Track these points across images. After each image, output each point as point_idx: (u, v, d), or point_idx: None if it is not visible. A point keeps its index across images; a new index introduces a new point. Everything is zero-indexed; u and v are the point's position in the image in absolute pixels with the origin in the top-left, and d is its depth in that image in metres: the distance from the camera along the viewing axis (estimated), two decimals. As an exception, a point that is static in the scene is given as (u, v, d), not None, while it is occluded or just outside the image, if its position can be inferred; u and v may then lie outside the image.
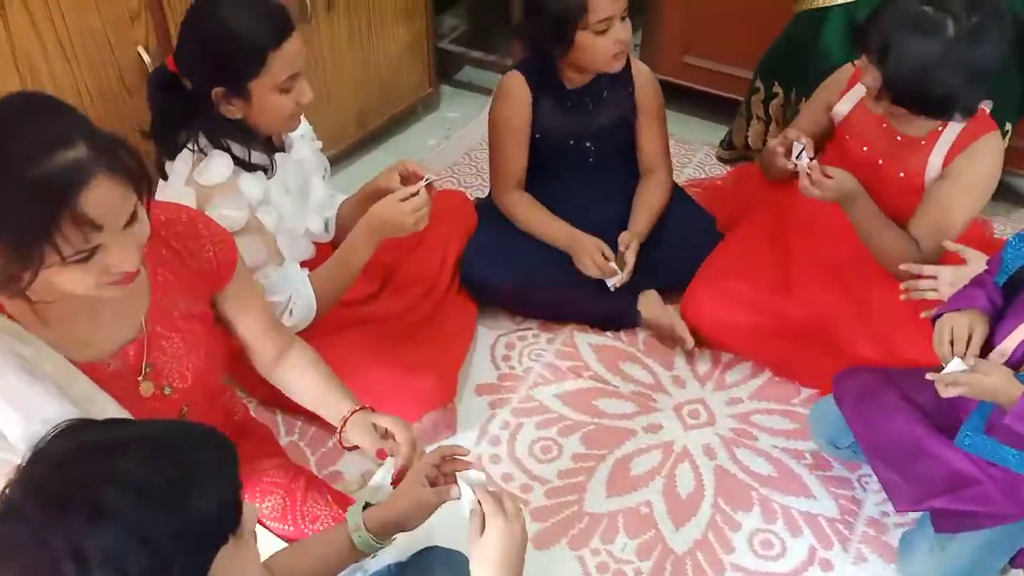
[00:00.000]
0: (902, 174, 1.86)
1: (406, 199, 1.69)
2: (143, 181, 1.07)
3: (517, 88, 2.07)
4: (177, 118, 1.59)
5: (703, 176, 2.69)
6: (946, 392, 1.46)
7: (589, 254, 2.03)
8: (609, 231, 2.08)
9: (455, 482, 1.21)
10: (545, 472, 1.83)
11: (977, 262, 1.67)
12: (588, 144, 2.14)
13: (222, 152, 1.59)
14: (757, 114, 2.60)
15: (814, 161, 1.82)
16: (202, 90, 1.55)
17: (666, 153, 2.22)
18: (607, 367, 2.08)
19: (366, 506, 1.24)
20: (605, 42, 1.93)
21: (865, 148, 1.90)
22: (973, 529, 1.55)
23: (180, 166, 1.59)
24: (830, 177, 1.78)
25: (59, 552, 0.72)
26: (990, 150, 1.80)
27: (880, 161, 1.88)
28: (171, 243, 1.28)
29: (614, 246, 2.05)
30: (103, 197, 1.00)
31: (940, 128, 1.82)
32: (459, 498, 1.17)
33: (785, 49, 2.43)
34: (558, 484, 1.81)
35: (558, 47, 1.96)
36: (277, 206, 1.68)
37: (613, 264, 2.02)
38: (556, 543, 1.70)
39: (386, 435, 1.41)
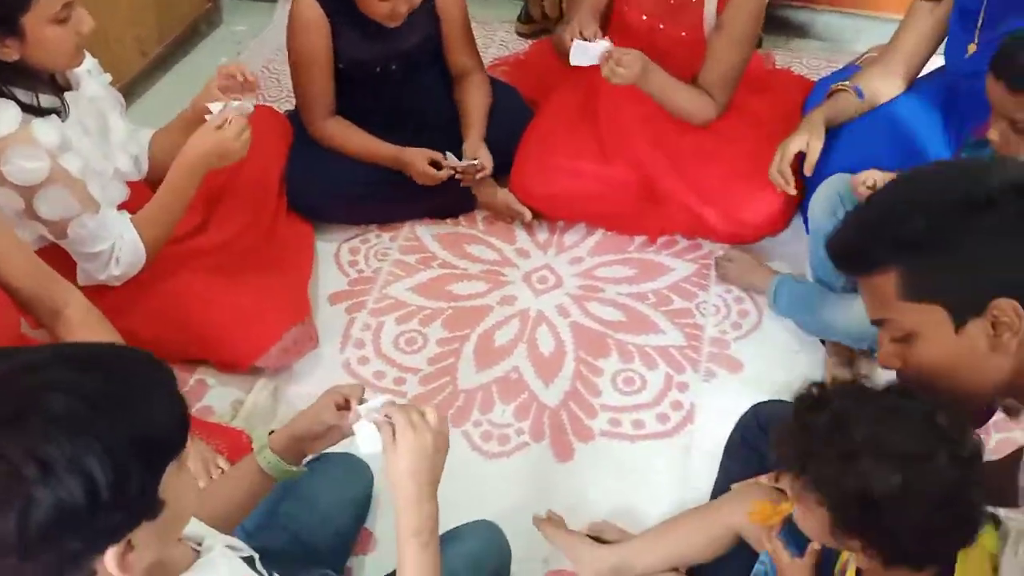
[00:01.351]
0: (684, 33, 1.99)
1: (221, 126, 1.62)
2: None
3: (312, 16, 1.98)
4: None
5: (507, 53, 2.73)
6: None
7: (418, 166, 2.04)
8: (433, 138, 2.09)
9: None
10: (414, 362, 1.88)
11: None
12: (394, 67, 2.09)
13: (6, 100, 1.47)
14: (549, -17, 2.64)
15: (608, 48, 1.88)
16: None
17: (477, 56, 2.22)
18: (453, 253, 2.14)
19: (270, 434, 1.21)
20: (382, 7, 1.90)
21: (644, 16, 2.00)
22: None
23: None
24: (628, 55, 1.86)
25: (18, 461, 0.70)
26: None
27: (661, 26, 2.00)
28: None
29: (440, 148, 2.06)
30: None
31: None
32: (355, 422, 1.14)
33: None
34: (429, 371, 1.87)
35: None
36: (79, 150, 1.58)
37: (450, 162, 2.04)
38: (439, 424, 1.77)
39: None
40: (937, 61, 1.98)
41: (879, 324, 1.02)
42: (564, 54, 2.13)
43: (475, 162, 2.03)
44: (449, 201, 2.17)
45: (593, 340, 1.94)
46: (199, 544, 0.91)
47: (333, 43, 2.01)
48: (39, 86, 1.51)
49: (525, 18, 2.79)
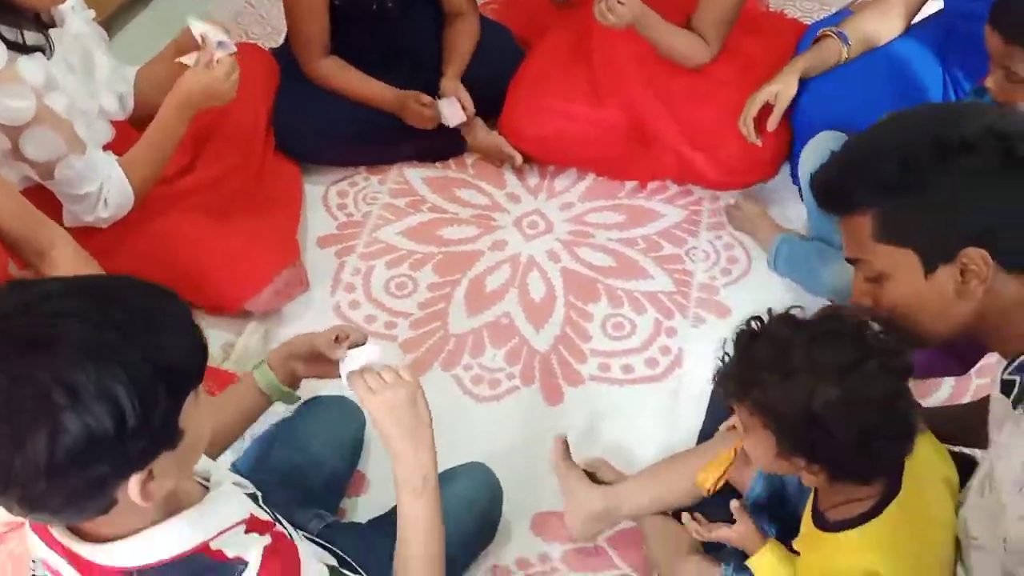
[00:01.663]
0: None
1: (209, 63, 1.59)
2: None
3: None
4: None
5: (497, -7, 2.67)
6: None
7: (413, 109, 2.01)
8: (424, 75, 2.06)
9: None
10: (405, 306, 1.88)
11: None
12: (391, 5, 2.04)
13: None
14: (539, -81, 2.57)
15: None
16: None
17: None
18: (443, 197, 2.12)
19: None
20: None
21: None
22: None
23: None
24: (622, 3, 1.83)
25: (47, 386, 0.70)
26: None
27: None
28: None
29: (433, 90, 2.03)
30: None
31: None
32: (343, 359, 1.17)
33: None
34: (420, 315, 1.88)
35: None
36: (64, 88, 1.54)
37: (441, 104, 2.01)
38: (430, 368, 1.78)
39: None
40: (934, 6, 1.96)
41: (854, 263, 1.07)
42: None
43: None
44: (439, 144, 2.15)
45: (583, 285, 1.94)
46: (207, 479, 0.92)
47: None
48: (24, 23, 1.47)
49: (516, -44, 2.73)
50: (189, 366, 0.79)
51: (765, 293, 1.91)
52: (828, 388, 0.97)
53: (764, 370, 1.01)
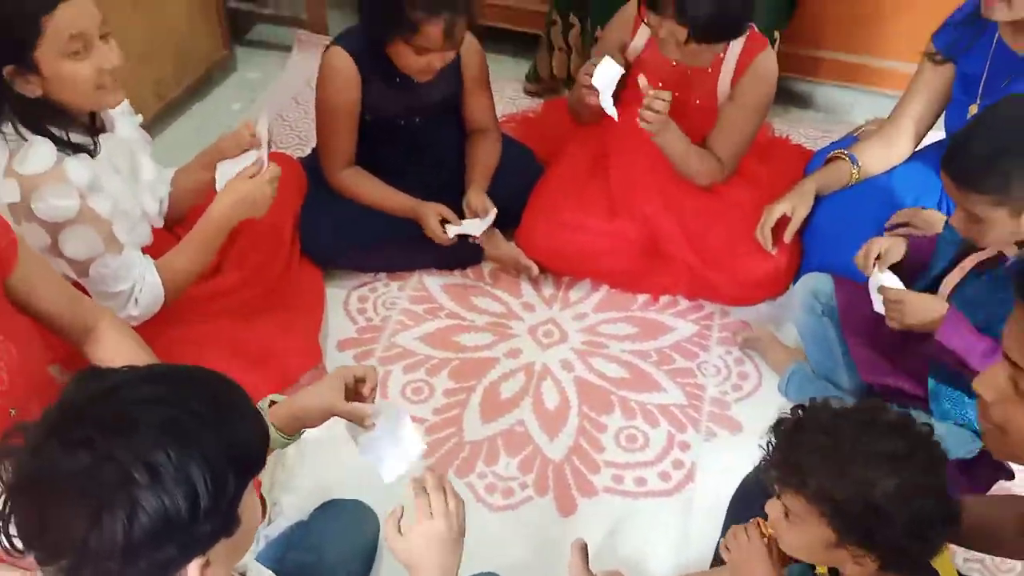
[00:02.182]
0: (697, 101, 2.07)
1: (254, 175, 1.67)
2: None
3: (345, 69, 2.02)
4: (16, 113, 1.49)
5: (515, 111, 2.80)
6: (879, 306, 1.66)
7: (431, 222, 2.08)
8: (445, 190, 2.14)
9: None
10: (421, 412, 1.91)
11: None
12: (417, 120, 2.15)
13: (42, 138, 1.50)
14: (558, 45, 2.73)
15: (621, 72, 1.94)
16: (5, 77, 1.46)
17: (493, 114, 2.28)
18: (460, 304, 2.17)
19: (271, 404, 1.25)
20: (419, 61, 1.95)
21: (660, 83, 2.07)
22: None
23: None
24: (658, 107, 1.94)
25: (129, 465, 0.72)
26: (767, 66, 2.07)
27: (676, 93, 2.07)
28: None
29: (453, 205, 2.11)
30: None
31: (722, 55, 2.04)
32: (372, 427, 1.20)
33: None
34: (435, 420, 1.89)
35: (378, 40, 1.96)
36: (108, 190, 1.60)
37: (460, 226, 2.09)
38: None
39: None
40: (937, 135, 2.06)
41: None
42: (578, 114, 2.21)
43: (482, 226, 2.09)
44: (457, 253, 2.22)
45: (597, 396, 1.97)
46: (243, 574, 0.93)
47: (362, 95, 2.06)
48: (72, 125, 1.55)
49: (534, 77, 2.87)
50: (256, 453, 0.82)
51: (776, 410, 1.94)
52: (887, 479, 1.00)
53: (819, 460, 1.03)
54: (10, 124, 1.49)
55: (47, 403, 1.34)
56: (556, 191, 2.22)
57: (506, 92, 2.88)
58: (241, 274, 1.98)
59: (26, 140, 1.49)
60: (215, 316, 1.84)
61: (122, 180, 1.66)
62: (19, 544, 0.77)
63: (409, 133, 2.17)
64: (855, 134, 2.37)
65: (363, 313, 2.14)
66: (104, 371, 0.82)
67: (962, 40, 1.88)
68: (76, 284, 1.59)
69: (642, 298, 2.21)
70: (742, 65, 2.06)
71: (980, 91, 1.87)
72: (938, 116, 2.03)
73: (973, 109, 1.87)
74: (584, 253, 2.18)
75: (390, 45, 1.96)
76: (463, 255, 2.25)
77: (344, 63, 2.03)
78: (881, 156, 2.05)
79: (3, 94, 1.47)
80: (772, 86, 2.11)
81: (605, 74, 1.94)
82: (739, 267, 2.09)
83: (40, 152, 1.49)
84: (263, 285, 1.99)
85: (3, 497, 0.77)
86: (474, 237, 2.12)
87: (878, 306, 1.70)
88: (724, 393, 1.99)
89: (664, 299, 2.21)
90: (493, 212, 2.10)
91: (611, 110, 1.97)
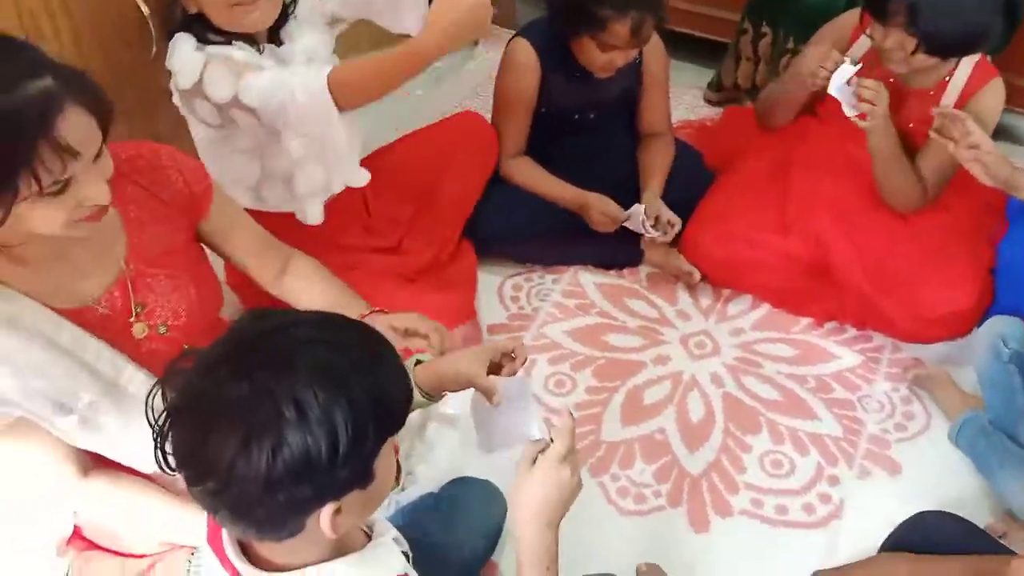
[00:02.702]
0: (911, 124, 1.92)
1: None
2: (107, 115, 1.06)
3: (527, 61, 2.04)
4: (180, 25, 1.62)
5: (693, 118, 2.74)
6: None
7: (598, 209, 2.06)
8: (612, 188, 2.11)
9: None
10: (561, 405, 1.89)
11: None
12: (591, 115, 2.15)
13: (187, 36, 1.60)
14: (746, 54, 2.64)
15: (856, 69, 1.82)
16: None
17: (668, 118, 2.24)
18: (613, 304, 2.14)
19: (417, 363, 1.26)
20: (602, 58, 1.94)
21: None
22: None
23: (180, 49, 1.60)
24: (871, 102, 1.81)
25: (281, 400, 0.75)
26: (996, 95, 1.91)
27: (891, 114, 1.94)
28: (136, 179, 1.26)
29: (619, 201, 2.07)
30: (77, 124, 0.99)
31: (947, 78, 1.90)
32: (497, 404, 1.18)
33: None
34: (575, 416, 1.87)
35: (563, 34, 1.97)
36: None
37: (626, 212, 2.06)
38: (577, 471, 1.76)
39: (406, 334, 1.39)
40: None
41: None
42: (773, 110, 2.13)
43: (657, 234, 2.06)
44: (617, 252, 2.19)
45: (744, 415, 1.88)
46: (370, 528, 0.95)
47: (540, 87, 2.07)
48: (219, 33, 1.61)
49: (716, 86, 2.79)
50: (398, 411, 0.84)
51: (941, 458, 1.79)
52: None
53: None
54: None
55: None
56: (728, 199, 2.15)
57: (685, 99, 2.82)
58: (431, 250, 2.03)
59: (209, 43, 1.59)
60: (380, 274, 1.88)
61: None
62: (172, 462, 0.81)
63: (582, 127, 2.17)
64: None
65: (516, 301, 2.15)
66: (275, 311, 0.85)
67: None
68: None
69: (805, 321, 2.10)
70: (968, 92, 1.91)
71: None
72: None
73: None
74: (749, 266, 2.09)
75: (574, 40, 1.97)
76: (622, 255, 2.22)
77: (527, 56, 2.05)
78: None
79: (183, 14, 1.61)
80: (996, 118, 1.95)
81: (841, 77, 1.82)
82: (920, 300, 1.93)
83: (182, 52, 1.58)
84: (429, 257, 2.03)
85: (164, 415, 0.81)
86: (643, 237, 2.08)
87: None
88: (885, 431, 1.85)
89: (829, 325, 2.08)
90: (675, 225, 2.06)
91: (850, 110, 1.85)
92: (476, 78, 2.94)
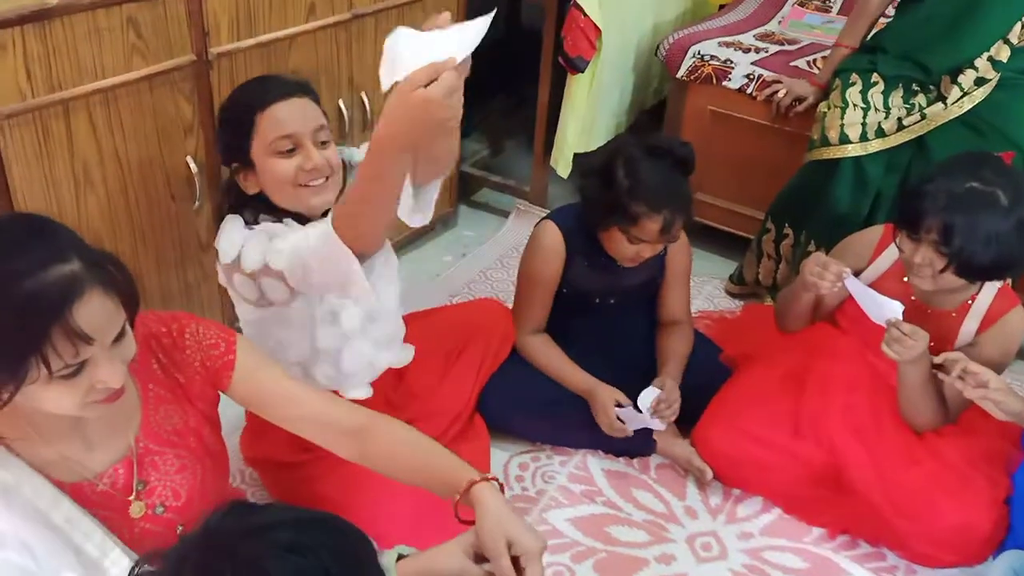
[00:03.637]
0: (932, 344, 1.92)
1: (428, 84, 1.11)
2: (132, 298, 1.08)
3: (554, 244, 2.09)
4: (233, 207, 1.68)
5: (711, 308, 2.77)
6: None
7: (603, 408, 2.04)
8: (627, 371, 2.12)
9: None
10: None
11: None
12: (612, 301, 2.19)
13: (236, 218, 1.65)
14: (768, 253, 2.70)
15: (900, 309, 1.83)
16: (233, 174, 1.66)
17: (689, 308, 2.28)
18: (619, 493, 2.09)
19: (399, 558, 1.19)
20: (630, 249, 2.00)
21: None
22: None
23: (229, 232, 1.63)
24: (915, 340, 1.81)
25: None
26: (1017, 324, 1.93)
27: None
28: (159, 355, 1.27)
29: (632, 387, 2.06)
30: (96, 311, 1.00)
31: (970, 301, 1.93)
32: None
33: (796, 194, 2.55)
34: (570, 612, 1.79)
35: (594, 223, 2.03)
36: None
37: (627, 423, 2.04)
38: (567, 675, 1.67)
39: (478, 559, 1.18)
40: None
41: None
42: (789, 309, 2.14)
43: (656, 422, 2.04)
44: (629, 440, 2.15)
45: (749, 628, 1.79)
46: None
47: (564, 269, 2.12)
48: (279, 213, 1.65)
49: (738, 280, 2.84)
50: None
51: None
52: None
53: None
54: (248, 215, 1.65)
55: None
56: (742, 396, 2.14)
57: (705, 289, 2.86)
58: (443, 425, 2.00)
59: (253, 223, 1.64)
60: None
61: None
62: None
63: (601, 311, 2.20)
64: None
65: (520, 481, 2.10)
66: (253, 508, 0.84)
67: None
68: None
69: (817, 531, 2.02)
70: (991, 317, 1.93)
71: None
72: None
73: None
74: (759, 466, 2.05)
75: (604, 230, 2.02)
76: (634, 444, 2.18)
77: (554, 239, 2.10)
78: None
79: (236, 192, 1.67)
80: (1017, 346, 1.96)
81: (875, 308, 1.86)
82: (935, 522, 1.87)
83: (232, 233, 1.62)
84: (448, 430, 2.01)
85: None
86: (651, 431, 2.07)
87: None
88: (899, 661, 1.75)
89: (842, 538, 2.01)
90: (672, 411, 2.04)
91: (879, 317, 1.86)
92: (499, 248, 3.02)
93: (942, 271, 1.79)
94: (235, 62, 2.04)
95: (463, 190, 3.23)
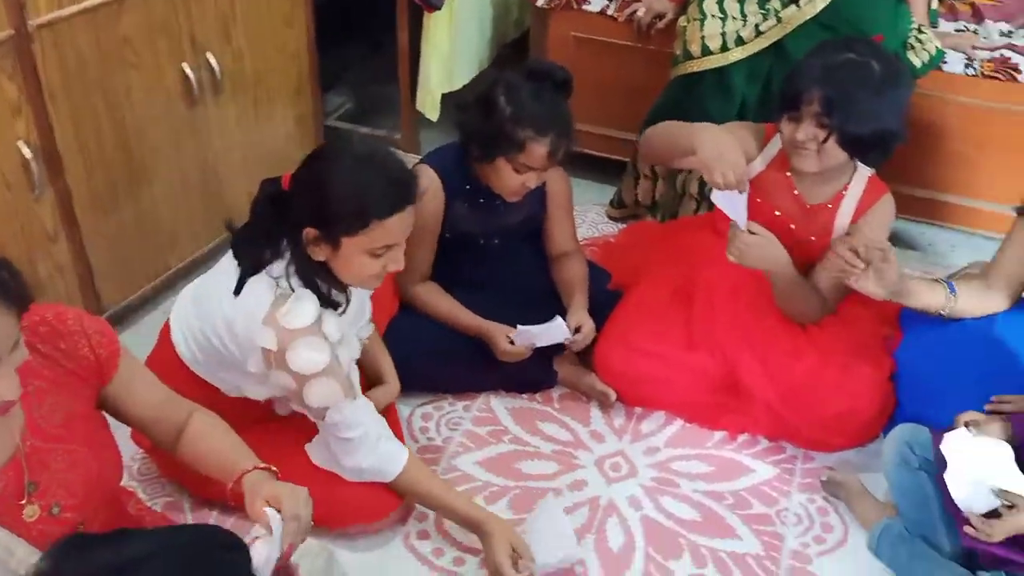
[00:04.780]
0: (813, 238, 2.00)
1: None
2: (25, 303, 1.02)
3: (431, 187, 2.03)
4: (269, 234, 1.58)
5: (596, 235, 2.78)
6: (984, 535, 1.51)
7: (500, 343, 2.03)
8: (522, 309, 2.10)
9: None
10: (476, 541, 1.80)
11: None
12: (496, 240, 2.15)
13: (309, 293, 1.56)
14: (644, 172, 2.72)
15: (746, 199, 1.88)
16: (299, 221, 1.54)
17: (574, 235, 2.26)
18: (526, 429, 2.09)
19: None
20: (516, 180, 1.97)
21: (777, 212, 2.03)
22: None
23: (261, 295, 1.55)
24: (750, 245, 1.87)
25: None
26: (888, 210, 2.03)
27: (792, 226, 2.02)
28: (38, 347, 1.20)
29: (532, 319, 2.05)
30: None
31: (843, 192, 2.00)
32: None
33: (665, 111, 2.54)
34: (490, 552, 1.79)
35: (478, 157, 1.99)
36: (348, 341, 1.67)
37: (523, 345, 2.04)
38: (495, 613, 1.67)
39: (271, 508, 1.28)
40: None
41: None
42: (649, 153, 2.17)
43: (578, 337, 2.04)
44: (530, 376, 2.15)
45: (665, 538, 1.83)
46: None
47: (444, 213, 2.07)
48: (334, 282, 1.61)
49: (618, 203, 2.86)
50: None
51: (864, 570, 1.77)
52: None
53: None
54: (283, 270, 1.56)
55: (114, 516, 1.35)
56: (634, 315, 2.16)
57: (588, 216, 2.87)
58: None
59: (292, 289, 1.55)
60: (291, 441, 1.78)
61: (351, 328, 1.71)
62: None
63: (488, 252, 2.17)
64: (950, 279, 2.25)
65: (425, 432, 2.08)
66: (95, 542, 0.79)
67: None
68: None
69: (718, 435, 2.09)
70: (864, 205, 2.01)
71: None
72: None
73: None
74: (658, 382, 2.09)
75: (487, 163, 1.98)
76: (535, 377, 2.18)
77: (430, 181, 2.05)
78: (976, 304, 1.90)
79: (295, 248, 1.56)
80: (889, 231, 2.04)
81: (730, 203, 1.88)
82: (824, 410, 1.96)
83: (305, 308, 1.54)
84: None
85: None
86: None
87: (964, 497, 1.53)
88: (805, 545, 1.83)
89: (742, 438, 2.08)
90: (588, 328, 2.05)
91: (742, 221, 1.90)
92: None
93: (824, 141, 1.85)
94: (59, 33, 1.88)
95: (332, 146, 3.11)
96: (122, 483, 1.46)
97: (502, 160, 1.94)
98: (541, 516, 1.76)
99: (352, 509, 1.73)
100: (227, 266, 1.63)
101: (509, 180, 1.97)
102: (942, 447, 1.60)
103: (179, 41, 2.20)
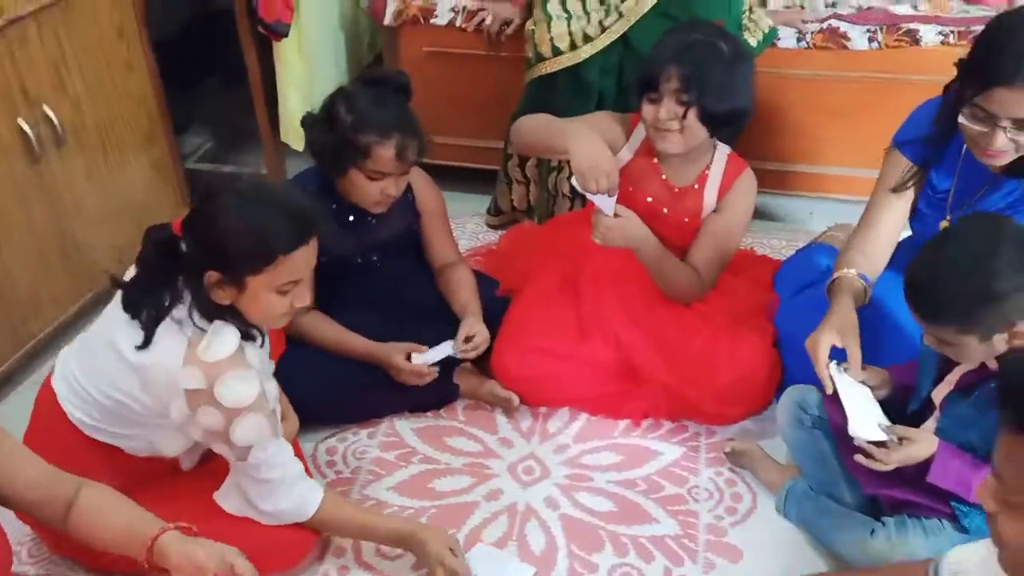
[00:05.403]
0: (686, 219, 2.08)
1: None
2: None
3: None
4: (164, 282, 1.50)
5: (478, 244, 2.79)
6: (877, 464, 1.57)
7: (396, 363, 2.01)
8: (412, 325, 2.09)
9: None
10: (397, 569, 1.77)
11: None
12: (375, 258, 2.13)
13: (227, 323, 1.49)
14: (516, 178, 2.75)
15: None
16: (196, 266, 1.46)
17: (455, 245, 2.26)
18: (434, 447, 2.07)
19: None
20: (374, 189, 1.96)
21: (649, 199, 2.09)
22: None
23: (172, 338, 1.48)
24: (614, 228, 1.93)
25: None
26: (750, 184, 2.13)
27: (665, 210, 2.09)
28: None
29: (422, 339, 2.04)
30: None
31: (706, 171, 2.08)
32: None
33: (527, 114, 2.59)
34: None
35: (332, 172, 1.98)
36: (267, 374, 1.61)
37: (428, 365, 2.02)
38: (427, 638, 1.64)
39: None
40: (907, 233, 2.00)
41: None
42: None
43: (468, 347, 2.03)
44: (431, 393, 2.12)
45: (585, 533, 1.85)
46: None
47: None
48: (242, 323, 1.55)
49: (495, 211, 2.88)
50: None
51: (776, 533, 1.84)
52: None
53: None
54: (185, 313, 1.49)
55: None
56: (526, 316, 2.17)
57: (468, 227, 2.88)
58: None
59: (200, 328, 1.48)
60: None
61: (262, 362, 1.64)
62: None
63: (369, 271, 2.14)
64: (820, 241, 2.37)
65: (332, 466, 2.03)
66: None
67: (930, 154, 1.79)
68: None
69: (623, 424, 2.12)
70: (727, 182, 2.11)
71: (948, 206, 1.80)
72: (900, 235, 1.92)
73: (944, 224, 1.80)
74: (556, 379, 2.11)
75: (343, 178, 1.96)
76: (437, 394, 2.16)
77: None
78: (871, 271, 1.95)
79: (196, 292, 1.48)
80: (753, 203, 2.14)
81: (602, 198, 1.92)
82: (717, 382, 2.03)
83: (225, 338, 1.49)
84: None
85: None
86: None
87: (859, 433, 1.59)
88: (719, 518, 1.88)
89: (646, 423, 2.12)
90: (482, 337, 2.05)
91: (610, 208, 1.95)
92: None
93: (684, 117, 1.93)
94: None
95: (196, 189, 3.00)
96: (12, 570, 1.37)
97: (354, 170, 1.94)
98: (481, 561, 1.73)
99: (270, 556, 1.65)
100: (116, 319, 1.54)
101: (367, 190, 1.96)
102: (832, 372, 1.66)
103: (9, 95, 2.08)
